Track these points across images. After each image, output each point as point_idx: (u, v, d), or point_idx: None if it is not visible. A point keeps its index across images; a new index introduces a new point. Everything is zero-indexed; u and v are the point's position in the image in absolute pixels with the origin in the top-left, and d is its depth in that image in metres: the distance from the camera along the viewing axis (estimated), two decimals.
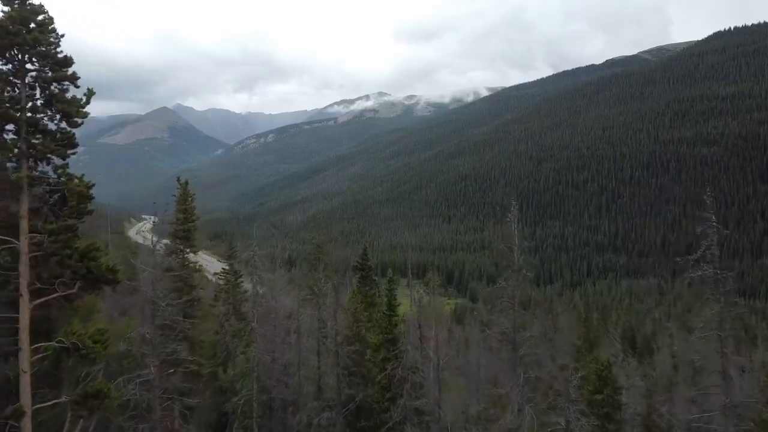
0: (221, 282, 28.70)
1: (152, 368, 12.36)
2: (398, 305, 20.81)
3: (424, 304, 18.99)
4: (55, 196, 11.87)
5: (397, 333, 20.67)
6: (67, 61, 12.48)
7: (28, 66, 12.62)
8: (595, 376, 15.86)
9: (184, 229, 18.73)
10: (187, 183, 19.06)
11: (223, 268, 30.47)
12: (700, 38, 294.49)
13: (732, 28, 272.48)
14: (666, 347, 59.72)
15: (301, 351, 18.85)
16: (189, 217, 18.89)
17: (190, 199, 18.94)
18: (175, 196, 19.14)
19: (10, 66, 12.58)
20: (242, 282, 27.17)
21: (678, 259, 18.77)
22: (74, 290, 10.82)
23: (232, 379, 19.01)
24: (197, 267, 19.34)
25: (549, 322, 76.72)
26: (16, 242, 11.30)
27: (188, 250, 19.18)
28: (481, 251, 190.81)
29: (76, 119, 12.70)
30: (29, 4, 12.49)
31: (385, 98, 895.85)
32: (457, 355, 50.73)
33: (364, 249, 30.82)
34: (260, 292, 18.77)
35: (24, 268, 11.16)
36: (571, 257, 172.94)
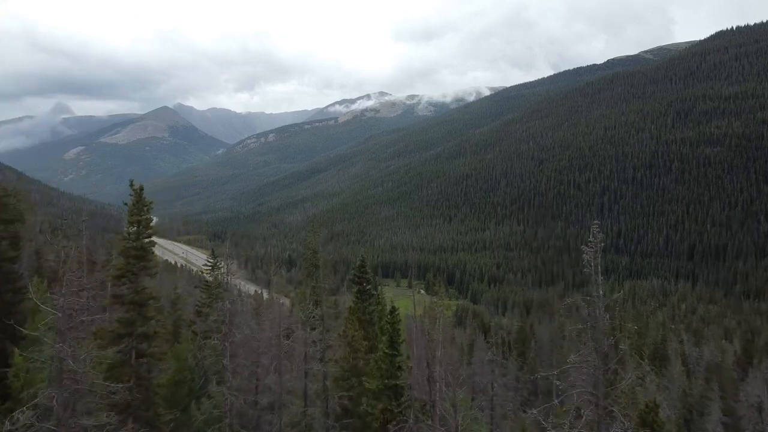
0: (203, 295, 26.05)
1: None
2: (402, 341, 17.56)
3: (433, 337, 15.57)
4: None
5: (402, 380, 17.16)
6: None
7: None
8: (638, 420, 13.45)
9: (136, 247, 15.46)
10: (141, 189, 15.50)
11: (205, 281, 27.90)
12: (702, 38, 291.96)
13: (734, 28, 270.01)
14: (678, 355, 57.76)
15: (283, 393, 16.15)
16: (143, 231, 15.50)
17: (145, 208, 15.36)
18: (126, 204, 15.82)
19: None
20: (228, 299, 24.33)
21: None
22: None
23: (205, 419, 16.23)
24: (154, 293, 16.18)
25: (555, 328, 74.94)
26: None
27: (142, 271, 15.62)
28: (482, 252, 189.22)
29: None
30: None
31: (386, 98, 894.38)
32: (461, 360, 48.75)
33: (361, 260, 27.16)
34: (231, 318, 15.78)
35: None
36: (573, 258, 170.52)
